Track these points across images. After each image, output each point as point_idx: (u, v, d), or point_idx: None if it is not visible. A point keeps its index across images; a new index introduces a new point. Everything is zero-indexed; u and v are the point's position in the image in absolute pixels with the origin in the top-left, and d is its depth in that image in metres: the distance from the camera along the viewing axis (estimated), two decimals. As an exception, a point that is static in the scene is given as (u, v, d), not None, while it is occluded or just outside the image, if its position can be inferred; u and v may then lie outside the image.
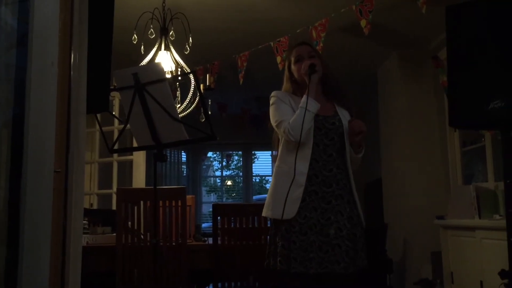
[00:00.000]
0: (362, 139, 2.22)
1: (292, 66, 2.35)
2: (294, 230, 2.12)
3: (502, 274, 1.99)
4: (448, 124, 2.22)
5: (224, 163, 10.12)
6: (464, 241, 3.49)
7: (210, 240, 3.26)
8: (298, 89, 2.34)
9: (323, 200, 2.15)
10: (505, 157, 2.01)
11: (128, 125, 2.21)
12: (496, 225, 2.98)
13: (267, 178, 10.50)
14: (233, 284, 3.08)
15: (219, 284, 3.09)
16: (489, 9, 2.02)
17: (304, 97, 2.17)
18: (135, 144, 2.40)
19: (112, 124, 4.58)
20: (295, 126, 2.14)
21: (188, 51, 3.92)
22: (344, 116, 2.28)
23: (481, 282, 3.12)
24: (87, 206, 4.63)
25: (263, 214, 2.30)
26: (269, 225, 2.33)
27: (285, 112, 2.23)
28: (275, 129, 2.28)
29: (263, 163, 9.81)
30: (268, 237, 2.28)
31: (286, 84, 2.39)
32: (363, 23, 3.60)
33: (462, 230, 3.51)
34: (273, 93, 2.33)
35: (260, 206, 2.39)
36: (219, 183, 10.23)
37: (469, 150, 4.30)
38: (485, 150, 3.93)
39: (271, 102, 2.32)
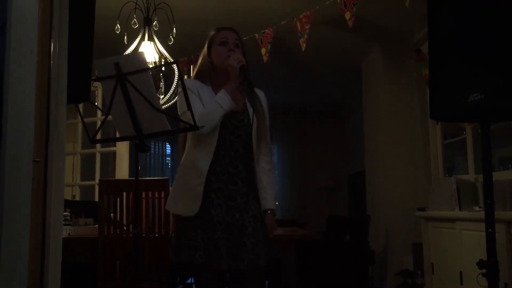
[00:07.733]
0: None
1: (214, 47, 2.24)
2: (200, 225, 2.08)
3: (480, 264, 2.02)
4: (429, 116, 2.24)
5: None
6: (444, 233, 3.54)
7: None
8: (213, 72, 2.23)
9: (229, 198, 2.13)
10: (484, 150, 2.03)
11: (110, 116, 2.19)
12: (476, 217, 3.02)
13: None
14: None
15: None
16: (471, 2, 2.03)
17: (222, 92, 2.10)
18: (118, 136, 2.38)
19: (96, 115, 4.54)
20: (203, 119, 2.04)
21: (172, 42, 3.89)
22: (255, 110, 2.18)
23: (461, 273, 3.17)
24: (69, 197, 4.59)
25: (167, 207, 2.28)
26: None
27: (192, 103, 2.06)
28: (180, 118, 2.12)
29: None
30: (175, 230, 2.19)
31: (201, 64, 2.27)
32: (347, 15, 3.61)
33: (443, 222, 3.56)
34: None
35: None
36: (204, 175, 10.20)
37: (450, 143, 4.35)
38: (466, 143, 3.98)
39: (178, 91, 2.23)
